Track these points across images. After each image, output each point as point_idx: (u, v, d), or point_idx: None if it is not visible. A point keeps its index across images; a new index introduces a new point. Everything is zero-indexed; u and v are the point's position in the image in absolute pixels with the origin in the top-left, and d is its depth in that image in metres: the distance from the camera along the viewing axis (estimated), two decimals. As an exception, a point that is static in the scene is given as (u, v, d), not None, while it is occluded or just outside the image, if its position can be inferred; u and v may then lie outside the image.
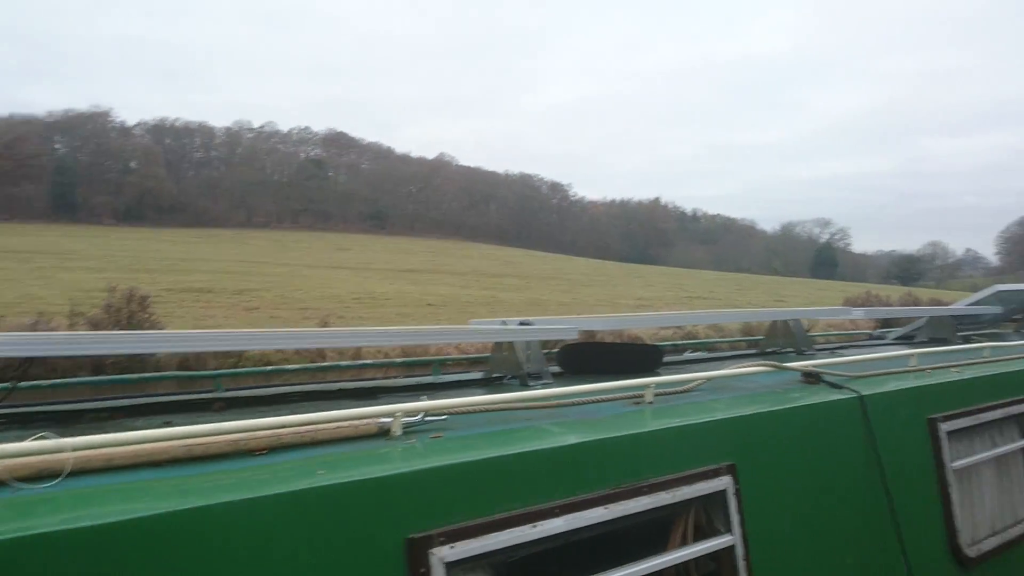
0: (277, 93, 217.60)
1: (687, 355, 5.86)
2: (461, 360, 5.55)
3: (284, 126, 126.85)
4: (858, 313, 5.69)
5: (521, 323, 4.21)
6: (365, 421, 2.50)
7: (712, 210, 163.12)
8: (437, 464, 2.25)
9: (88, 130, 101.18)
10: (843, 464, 3.63)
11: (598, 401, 3.17)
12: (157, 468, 2.03)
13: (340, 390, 3.78)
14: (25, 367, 3.20)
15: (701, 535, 2.92)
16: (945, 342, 6.44)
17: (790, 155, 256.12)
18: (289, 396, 3.63)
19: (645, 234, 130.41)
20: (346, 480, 2.05)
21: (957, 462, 4.26)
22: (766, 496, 3.20)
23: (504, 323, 4.23)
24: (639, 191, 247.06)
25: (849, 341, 7.82)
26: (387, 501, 2.10)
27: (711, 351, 6.30)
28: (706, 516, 2.98)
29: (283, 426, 2.34)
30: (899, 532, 3.68)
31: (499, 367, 4.17)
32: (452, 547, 2.14)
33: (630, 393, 3.30)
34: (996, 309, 7.66)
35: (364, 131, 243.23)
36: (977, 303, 7.58)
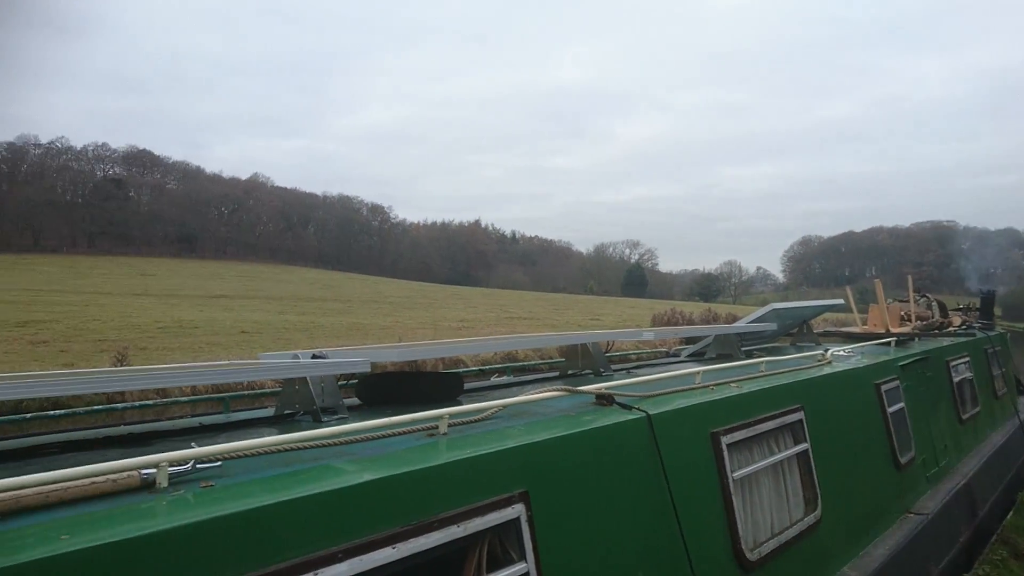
0: (67, 107, 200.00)
1: (493, 380, 5.91)
2: (258, 395, 5.26)
3: (77, 142, 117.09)
4: (648, 335, 6.02)
5: (314, 356, 4.04)
6: (125, 474, 2.27)
7: (530, 232, 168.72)
8: (200, 518, 2.07)
9: None
10: (633, 482, 3.78)
11: (391, 435, 3.09)
12: None
13: (106, 438, 3.43)
14: None
15: (496, 565, 2.92)
16: (730, 358, 6.96)
17: (600, 179, 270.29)
18: (43, 448, 3.25)
19: (466, 256, 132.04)
20: (94, 544, 1.85)
21: (738, 472, 4.58)
22: (560, 520, 3.25)
23: (297, 356, 4.04)
24: (459, 213, 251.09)
25: (650, 360, 8.27)
26: (142, 565, 1.91)
27: (518, 375, 6.40)
28: (500, 546, 2.99)
29: (22, 486, 2.08)
30: (686, 542, 3.87)
31: (290, 402, 3.97)
32: None
33: (425, 425, 3.25)
34: (773, 326, 8.40)
35: (170, 149, 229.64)
36: (757, 320, 8.26)
